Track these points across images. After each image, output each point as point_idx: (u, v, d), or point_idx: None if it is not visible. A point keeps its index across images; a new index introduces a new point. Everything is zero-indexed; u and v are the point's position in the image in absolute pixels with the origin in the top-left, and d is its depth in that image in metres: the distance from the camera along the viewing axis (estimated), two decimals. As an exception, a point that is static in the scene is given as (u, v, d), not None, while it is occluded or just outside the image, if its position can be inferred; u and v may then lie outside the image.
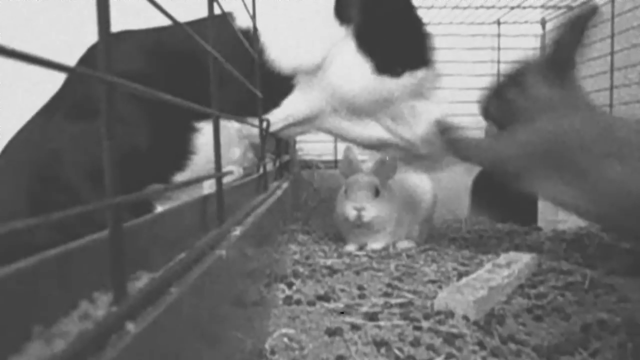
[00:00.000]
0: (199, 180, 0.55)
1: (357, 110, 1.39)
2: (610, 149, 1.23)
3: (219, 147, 0.69)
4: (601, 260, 1.53)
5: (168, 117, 1.24)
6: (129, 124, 1.17)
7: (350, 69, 1.33)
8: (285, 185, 1.87)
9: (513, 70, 1.52)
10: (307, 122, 1.45)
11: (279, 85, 1.30)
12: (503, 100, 1.49)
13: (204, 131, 1.30)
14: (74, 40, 1.28)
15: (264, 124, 1.31)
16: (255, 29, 1.36)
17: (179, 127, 1.29)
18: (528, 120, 1.40)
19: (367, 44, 1.33)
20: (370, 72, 1.35)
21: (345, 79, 1.33)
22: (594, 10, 1.41)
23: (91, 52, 1.30)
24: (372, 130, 1.45)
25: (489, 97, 1.55)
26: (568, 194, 1.26)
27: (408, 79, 1.39)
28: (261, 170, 1.26)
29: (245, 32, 1.21)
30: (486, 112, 1.55)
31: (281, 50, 1.28)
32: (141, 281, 0.41)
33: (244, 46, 1.11)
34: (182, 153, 1.28)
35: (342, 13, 1.24)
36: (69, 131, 1.20)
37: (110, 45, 0.39)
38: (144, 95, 0.46)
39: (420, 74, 1.37)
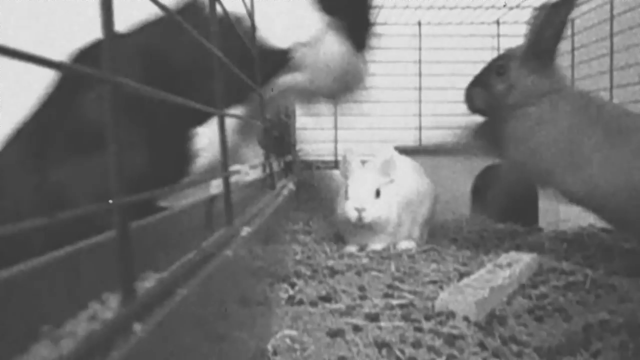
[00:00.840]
0: (205, 179, 0.55)
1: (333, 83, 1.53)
2: (568, 161, 1.30)
3: (225, 146, 0.69)
4: (602, 260, 1.53)
5: (164, 133, 1.25)
6: (129, 149, 1.16)
7: (334, 47, 1.46)
8: (290, 185, 1.87)
9: (496, 59, 1.58)
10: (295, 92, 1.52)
11: (276, 59, 1.36)
12: (487, 88, 1.52)
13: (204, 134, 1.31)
14: (77, 40, 1.27)
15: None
16: (254, 28, 1.36)
17: (177, 140, 1.29)
18: (509, 108, 1.46)
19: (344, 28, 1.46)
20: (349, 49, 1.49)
21: (331, 55, 1.44)
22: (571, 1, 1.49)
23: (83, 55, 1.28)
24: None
25: (473, 86, 1.57)
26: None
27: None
28: (267, 170, 1.26)
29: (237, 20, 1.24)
30: (471, 102, 1.59)
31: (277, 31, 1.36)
32: (149, 281, 0.41)
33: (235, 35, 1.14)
34: (183, 162, 1.29)
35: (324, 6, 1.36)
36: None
37: (115, 45, 0.39)
38: (146, 99, 0.46)
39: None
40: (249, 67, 1.23)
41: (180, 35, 1.13)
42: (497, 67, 1.54)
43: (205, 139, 1.27)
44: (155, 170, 1.18)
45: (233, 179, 1.00)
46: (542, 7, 1.59)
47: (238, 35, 1.09)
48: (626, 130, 1.33)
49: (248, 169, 1.21)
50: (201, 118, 1.25)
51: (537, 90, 1.45)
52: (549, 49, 1.47)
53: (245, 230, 0.67)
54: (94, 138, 1.11)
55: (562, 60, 3.01)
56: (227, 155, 0.69)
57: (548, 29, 1.44)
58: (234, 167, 1.20)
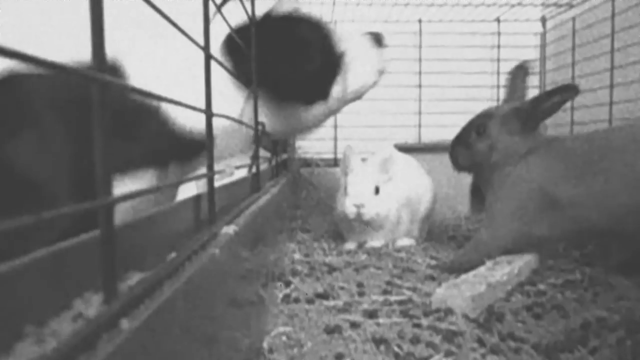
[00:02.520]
0: (190, 179, 0.55)
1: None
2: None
3: (211, 146, 0.69)
4: (600, 258, 1.52)
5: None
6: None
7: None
8: (282, 183, 1.87)
9: (476, 118, 1.62)
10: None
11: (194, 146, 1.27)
12: (468, 147, 1.58)
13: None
14: (66, 40, 1.26)
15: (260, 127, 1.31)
16: (253, 27, 1.36)
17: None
18: (490, 167, 1.54)
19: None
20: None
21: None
22: (525, 68, 1.68)
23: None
24: None
25: (456, 146, 1.62)
26: None
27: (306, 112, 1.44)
28: (254, 170, 1.26)
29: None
30: (455, 161, 1.63)
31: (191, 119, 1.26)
32: (133, 281, 0.41)
33: None
34: None
35: (242, 79, 1.23)
36: None
37: (103, 46, 0.39)
38: (137, 97, 0.46)
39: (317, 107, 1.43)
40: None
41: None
42: (477, 127, 1.58)
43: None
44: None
45: (218, 177, 1.00)
46: (518, 67, 1.71)
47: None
48: (597, 160, 1.38)
49: (234, 169, 1.20)
50: None
51: (516, 151, 1.50)
52: (538, 118, 1.50)
53: (231, 229, 0.68)
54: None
55: (563, 59, 3.01)
56: (212, 156, 0.69)
57: (546, 103, 1.47)
58: (219, 167, 1.20)
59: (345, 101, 1.47)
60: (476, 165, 1.59)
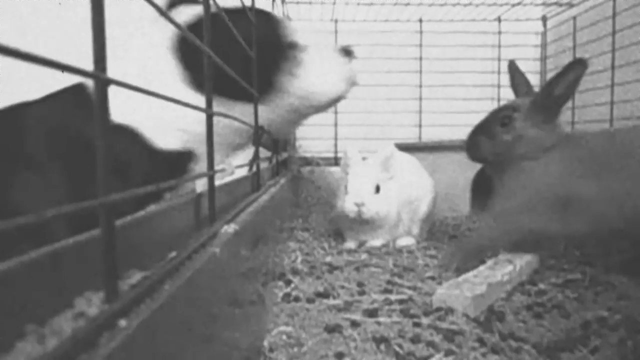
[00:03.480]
0: (190, 179, 0.55)
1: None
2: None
3: (211, 145, 0.69)
4: (600, 257, 1.52)
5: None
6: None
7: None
8: (282, 182, 1.87)
9: (500, 109, 1.60)
10: None
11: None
12: (492, 137, 1.56)
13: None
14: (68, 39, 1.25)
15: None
16: (254, 26, 1.36)
17: None
18: (512, 160, 1.52)
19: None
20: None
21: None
22: (512, 63, 1.73)
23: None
24: None
25: (477, 135, 1.60)
26: None
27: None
28: (254, 169, 1.25)
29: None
30: (475, 150, 1.61)
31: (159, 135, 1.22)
32: (133, 279, 0.41)
33: None
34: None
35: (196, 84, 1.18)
36: None
37: (104, 45, 0.39)
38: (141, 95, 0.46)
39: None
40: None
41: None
42: (502, 118, 1.56)
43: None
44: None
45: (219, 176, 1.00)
46: (509, 67, 1.74)
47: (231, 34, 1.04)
48: (616, 160, 1.38)
49: (234, 168, 1.20)
50: None
51: (541, 144, 1.49)
52: (556, 105, 1.49)
53: (231, 228, 0.67)
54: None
55: (564, 58, 3.00)
56: (212, 154, 0.69)
57: (559, 87, 1.46)
58: (220, 166, 1.18)
59: (307, 103, 1.38)
60: (497, 156, 1.56)
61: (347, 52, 1.43)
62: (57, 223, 0.84)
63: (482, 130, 1.60)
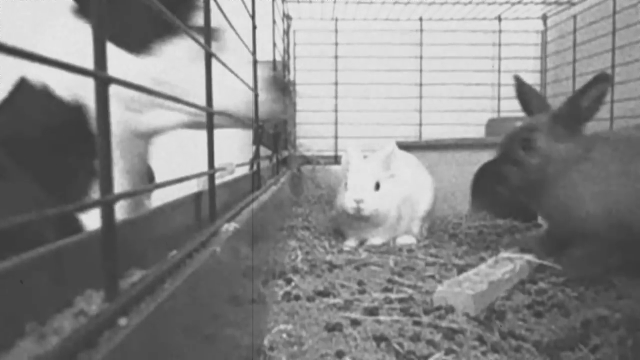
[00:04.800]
0: (191, 177, 0.54)
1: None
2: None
3: (212, 144, 0.69)
4: (602, 258, 1.52)
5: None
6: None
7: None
8: (282, 180, 1.87)
9: (519, 134, 1.49)
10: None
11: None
12: (519, 165, 1.46)
13: None
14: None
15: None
16: (254, 27, 1.36)
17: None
18: (547, 181, 1.42)
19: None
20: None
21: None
22: (517, 77, 1.62)
23: None
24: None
25: (503, 166, 1.49)
26: None
27: None
28: (255, 168, 1.25)
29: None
30: (508, 181, 1.49)
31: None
32: (134, 278, 0.41)
33: None
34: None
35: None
36: None
37: (104, 43, 0.38)
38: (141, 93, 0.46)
39: None
40: None
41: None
42: (521, 142, 1.46)
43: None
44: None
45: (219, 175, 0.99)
46: (515, 81, 1.63)
47: None
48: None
49: (234, 166, 1.19)
50: None
51: (573, 156, 1.41)
52: (582, 118, 1.43)
53: (232, 226, 0.67)
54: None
55: (564, 57, 3.00)
56: (213, 153, 0.69)
57: (584, 101, 1.40)
58: (221, 164, 1.17)
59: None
60: (529, 183, 1.46)
61: (278, 83, 1.31)
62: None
63: (505, 159, 1.49)
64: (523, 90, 1.62)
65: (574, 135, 1.43)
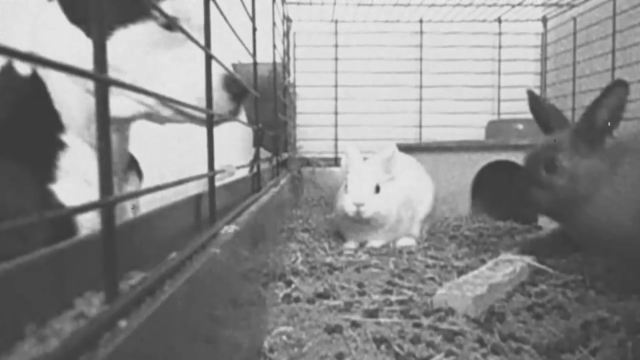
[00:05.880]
0: (191, 179, 0.54)
1: None
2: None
3: (212, 146, 0.69)
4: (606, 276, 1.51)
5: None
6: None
7: None
8: (282, 182, 1.87)
9: (540, 154, 1.44)
10: None
11: None
12: (546, 188, 1.40)
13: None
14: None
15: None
16: (254, 29, 1.36)
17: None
18: (578, 199, 1.35)
19: None
20: None
21: None
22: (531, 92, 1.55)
23: None
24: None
25: (531, 189, 1.43)
26: None
27: None
28: (255, 169, 1.25)
29: None
30: (538, 205, 1.43)
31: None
32: (134, 280, 0.41)
33: None
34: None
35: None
36: None
37: (104, 45, 0.39)
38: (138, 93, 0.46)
39: None
40: None
41: None
42: (545, 163, 1.40)
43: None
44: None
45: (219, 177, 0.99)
46: (529, 96, 1.57)
47: None
48: None
49: (235, 168, 1.18)
50: None
51: (602, 170, 1.33)
52: (604, 131, 1.35)
53: (231, 228, 0.67)
54: None
55: (564, 59, 3.00)
56: (213, 154, 0.69)
57: (601, 111, 1.33)
58: (221, 166, 1.16)
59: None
60: (559, 204, 1.39)
61: (233, 86, 1.18)
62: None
63: (530, 183, 1.43)
64: (538, 106, 1.55)
65: (597, 150, 1.36)
